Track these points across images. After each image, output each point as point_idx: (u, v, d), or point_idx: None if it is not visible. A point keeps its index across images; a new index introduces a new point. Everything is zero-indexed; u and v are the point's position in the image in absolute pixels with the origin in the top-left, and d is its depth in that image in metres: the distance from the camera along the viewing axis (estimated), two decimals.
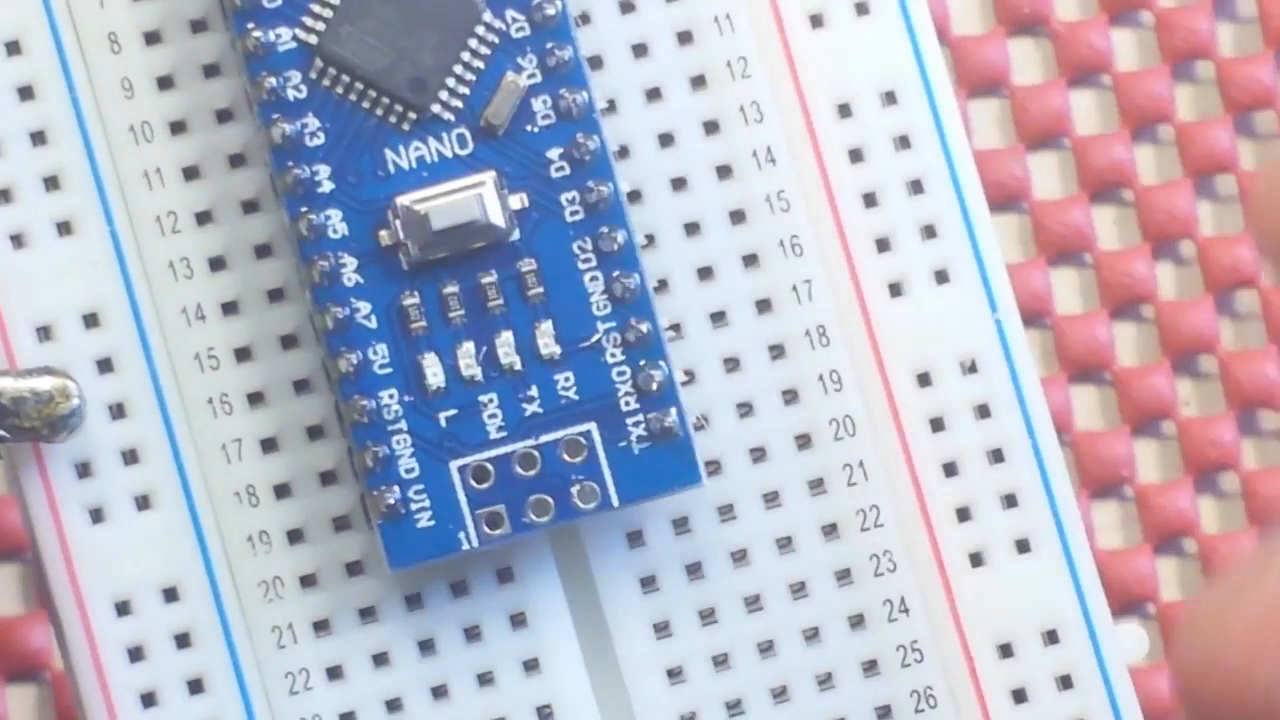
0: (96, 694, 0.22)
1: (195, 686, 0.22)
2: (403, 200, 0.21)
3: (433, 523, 0.22)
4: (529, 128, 0.22)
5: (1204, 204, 0.30)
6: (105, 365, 0.22)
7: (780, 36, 0.22)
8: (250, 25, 0.21)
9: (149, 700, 0.22)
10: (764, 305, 0.22)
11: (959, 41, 0.30)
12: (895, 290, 0.22)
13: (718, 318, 0.22)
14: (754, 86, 0.22)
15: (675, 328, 0.22)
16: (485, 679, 0.22)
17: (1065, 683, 0.22)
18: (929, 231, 0.22)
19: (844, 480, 0.22)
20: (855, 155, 0.22)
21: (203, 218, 0.22)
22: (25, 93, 0.22)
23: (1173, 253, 0.30)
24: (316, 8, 0.22)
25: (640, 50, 0.22)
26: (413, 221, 0.21)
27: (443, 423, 0.22)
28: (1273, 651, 0.24)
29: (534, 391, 0.22)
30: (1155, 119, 0.30)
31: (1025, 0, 0.30)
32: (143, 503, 0.22)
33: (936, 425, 0.22)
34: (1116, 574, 0.29)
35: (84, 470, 0.22)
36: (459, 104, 0.22)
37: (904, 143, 0.22)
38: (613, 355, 0.22)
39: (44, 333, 0.22)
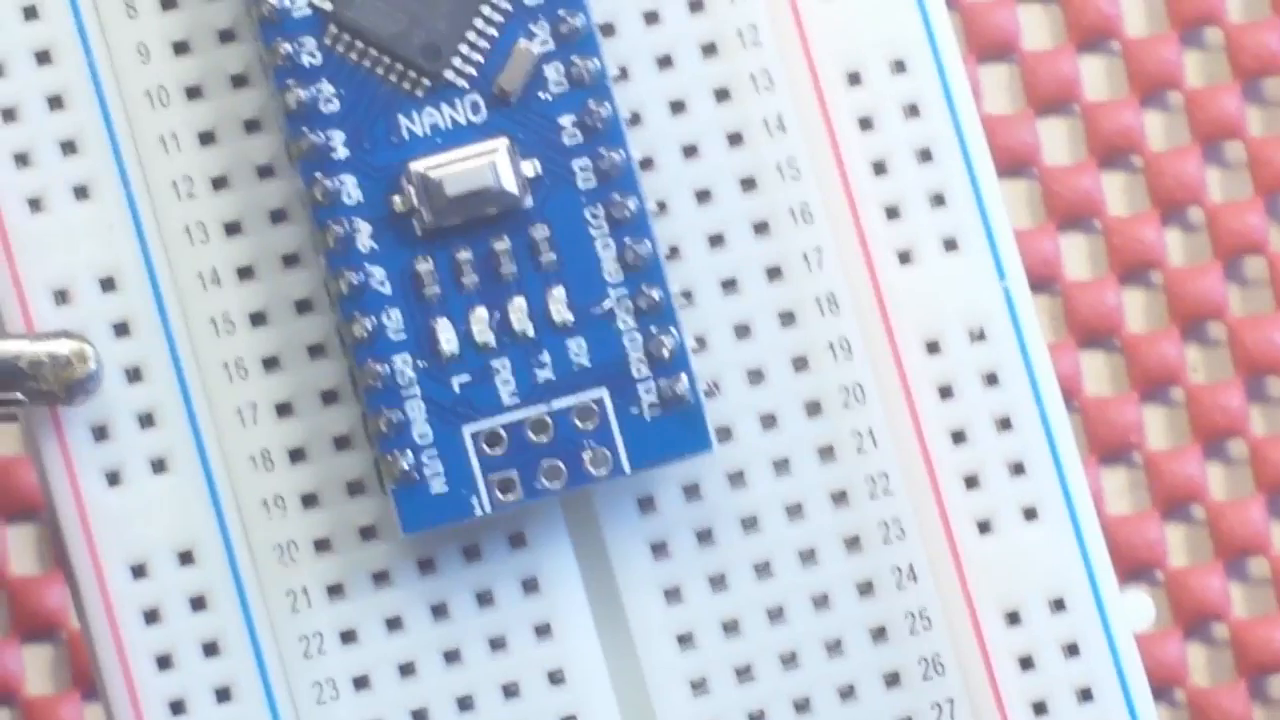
0: (112, 655, 0.22)
1: (210, 650, 0.22)
2: (416, 167, 0.21)
3: (445, 488, 0.22)
4: (541, 95, 0.22)
5: (1212, 170, 0.30)
6: (122, 329, 0.22)
7: (790, 4, 0.22)
8: None
9: (164, 663, 0.22)
10: (774, 273, 0.22)
11: (969, 6, 0.30)
12: (904, 258, 0.22)
13: (728, 285, 0.22)
14: (764, 54, 0.22)
15: (686, 295, 0.22)
16: (497, 644, 0.22)
17: (1072, 650, 0.22)
18: (938, 199, 0.22)
19: (854, 447, 0.22)
20: (865, 123, 0.22)
21: (218, 183, 0.22)
22: (43, 57, 0.22)
23: (1181, 219, 0.30)
24: None
25: (651, 18, 0.22)
26: (426, 188, 0.21)
27: (456, 388, 0.22)
28: None
29: (546, 358, 0.22)
30: (1164, 85, 0.30)
31: None
32: (159, 466, 0.22)
33: (945, 393, 0.22)
34: (1125, 540, 0.29)
35: (100, 433, 0.22)
36: (472, 71, 0.22)
37: (913, 111, 0.22)
38: (624, 322, 0.22)
39: (61, 296, 0.22)
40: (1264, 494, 0.29)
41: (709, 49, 0.22)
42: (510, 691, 0.22)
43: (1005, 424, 0.22)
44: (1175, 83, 0.30)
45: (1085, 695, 0.22)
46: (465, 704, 0.22)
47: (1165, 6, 0.30)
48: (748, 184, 0.22)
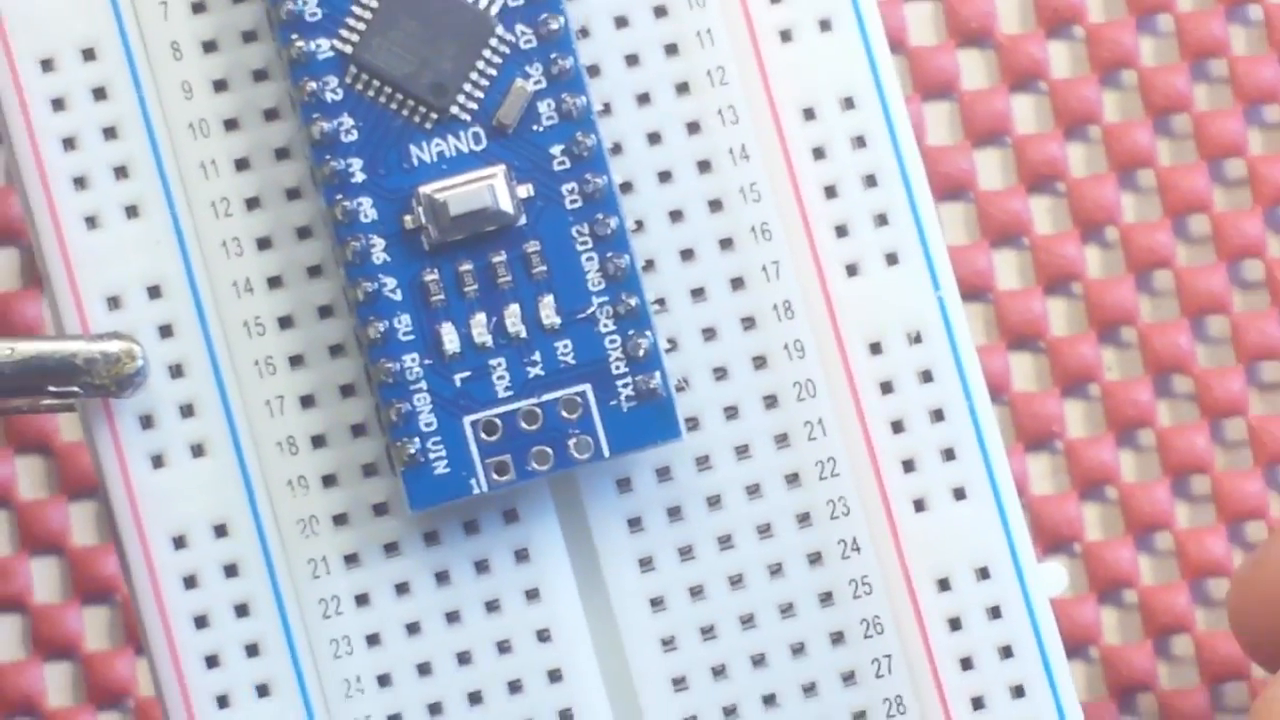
0: (155, 617, 0.22)
1: (241, 611, 0.22)
2: (424, 189, 0.22)
3: (448, 470, 0.22)
4: (535, 127, 0.22)
5: (1127, 195, 0.30)
6: (166, 331, 0.22)
7: (754, 49, 0.22)
8: (294, 36, 0.22)
9: (201, 622, 0.22)
10: (738, 283, 0.22)
11: (915, 51, 0.30)
12: (851, 270, 0.23)
13: (697, 293, 0.22)
14: (731, 92, 0.22)
15: (660, 302, 0.22)
16: (492, 606, 0.22)
17: (995, 613, 0.22)
18: (881, 219, 0.23)
19: (805, 435, 0.22)
20: (818, 153, 0.22)
21: (251, 203, 0.22)
22: (99, 93, 0.22)
23: (1099, 237, 0.29)
24: (351, 21, 0.22)
25: (632, 60, 0.22)
26: (433, 208, 0.22)
27: (457, 383, 0.22)
28: None
29: (537, 356, 0.22)
30: (1085, 121, 0.30)
31: (973, 15, 0.29)
32: (197, 450, 0.22)
33: (886, 388, 0.22)
34: (1048, 517, 0.29)
35: (146, 422, 0.22)
36: (474, 106, 0.22)
37: (860, 142, 0.22)
38: (605, 325, 0.22)
39: (113, 302, 0.22)
40: (1169, 477, 0.29)
41: (682, 87, 0.22)
42: (504, 648, 0.22)
43: (939, 415, 0.22)
44: (1094, 118, 0.29)
45: (1006, 652, 0.22)
46: (464, 659, 0.22)
47: (1086, 51, 0.30)
48: (715, 205, 0.22)
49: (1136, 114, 0.30)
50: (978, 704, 0.22)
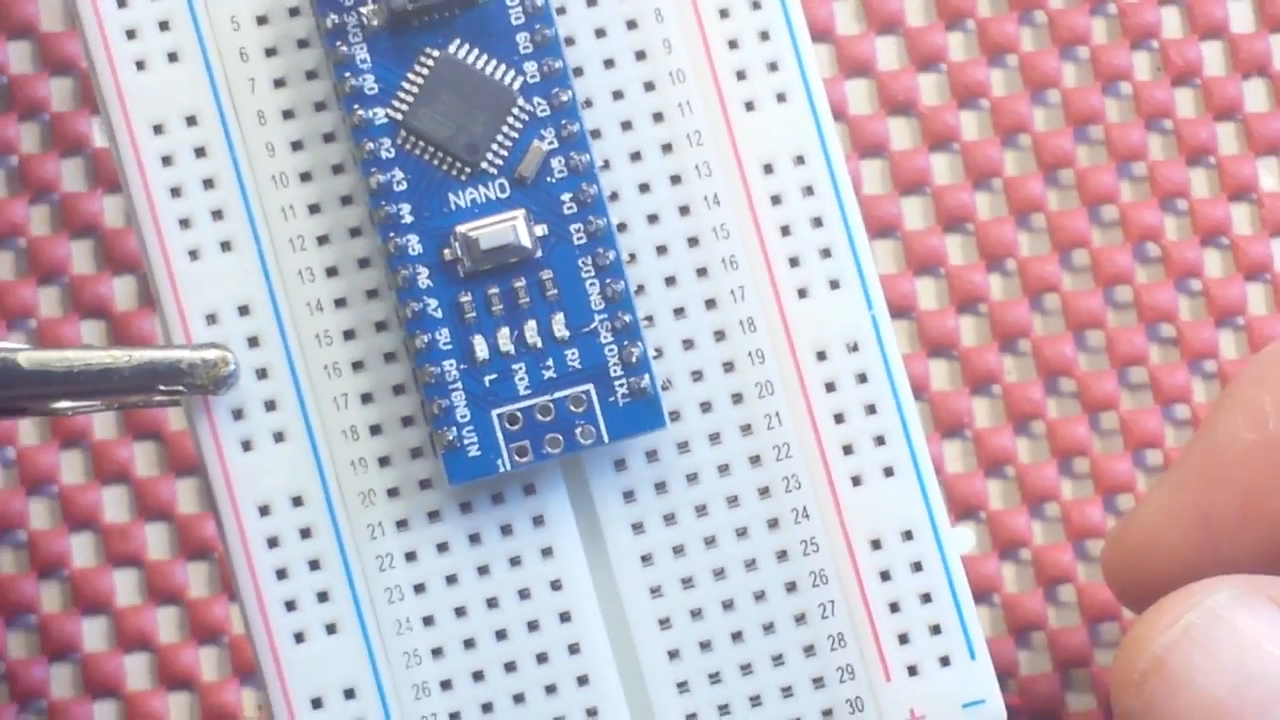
0: (245, 570, 0.22)
1: (314, 565, 0.22)
2: (460, 229, 0.22)
3: (479, 452, 0.22)
4: (548, 179, 0.22)
5: (1022, 234, 0.30)
6: (253, 341, 0.22)
7: (724, 116, 0.22)
8: (356, 106, 0.22)
9: (281, 574, 0.22)
10: (710, 303, 0.22)
11: (854, 119, 0.30)
12: (802, 293, 0.22)
13: (678, 312, 0.22)
14: (705, 151, 0.22)
15: (649, 318, 0.22)
16: (515, 561, 0.22)
17: (917, 567, 0.22)
18: (826, 253, 0.22)
19: (765, 425, 0.22)
20: (775, 199, 0.22)
21: (321, 240, 0.22)
22: (200, 152, 0.22)
23: (1001, 268, 0.29)
24: (401, 94, 0.22)
25: (626, 125, 0.22)
26: (467, 244, 0.22)
27: (486, 383, 0.22)
28: (1158, 542, 0.24)
29: (550, 362, 0.22)
30: (989, 175, 0.30)
31: (900, 90, 0.29)
32: (279, 437, 0.22)
33: (829, 387, 0.22)
34: (959, 491, 0.29)
35: (237, 414, 0.22)
36: (500, 162, 0.22)
37: (809, 191, 0.22)
38: (605, 337, 0.22)
39: (210, 319, 0.22)
40: (1056, 459, 0.29)
41: (666, 147, 0.22)
42: (523, 595, 0.22)
43: (872, 409, 0.22)
44: (997, 173, 0.29)
45: (926, 599, 0.22)
46: (492, 604, 0.22)
47: (990, 119, 0.29)
48: (692, 241, 0.22)
49: (1031, 169, 0.30)
50: (903, 640, 0.22)
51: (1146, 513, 0.25)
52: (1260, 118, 0.30)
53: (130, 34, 0.22)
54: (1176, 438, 0.29)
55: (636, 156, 0.22)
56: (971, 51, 0.30)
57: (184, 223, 0.22)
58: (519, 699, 0.22)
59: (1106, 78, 0.30)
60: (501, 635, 0.22)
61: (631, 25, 0.22)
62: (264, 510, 0.22)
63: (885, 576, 0.22)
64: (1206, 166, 0.30)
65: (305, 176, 0.22)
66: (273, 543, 0.22)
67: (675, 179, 0.22)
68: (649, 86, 0.22)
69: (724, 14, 0.22)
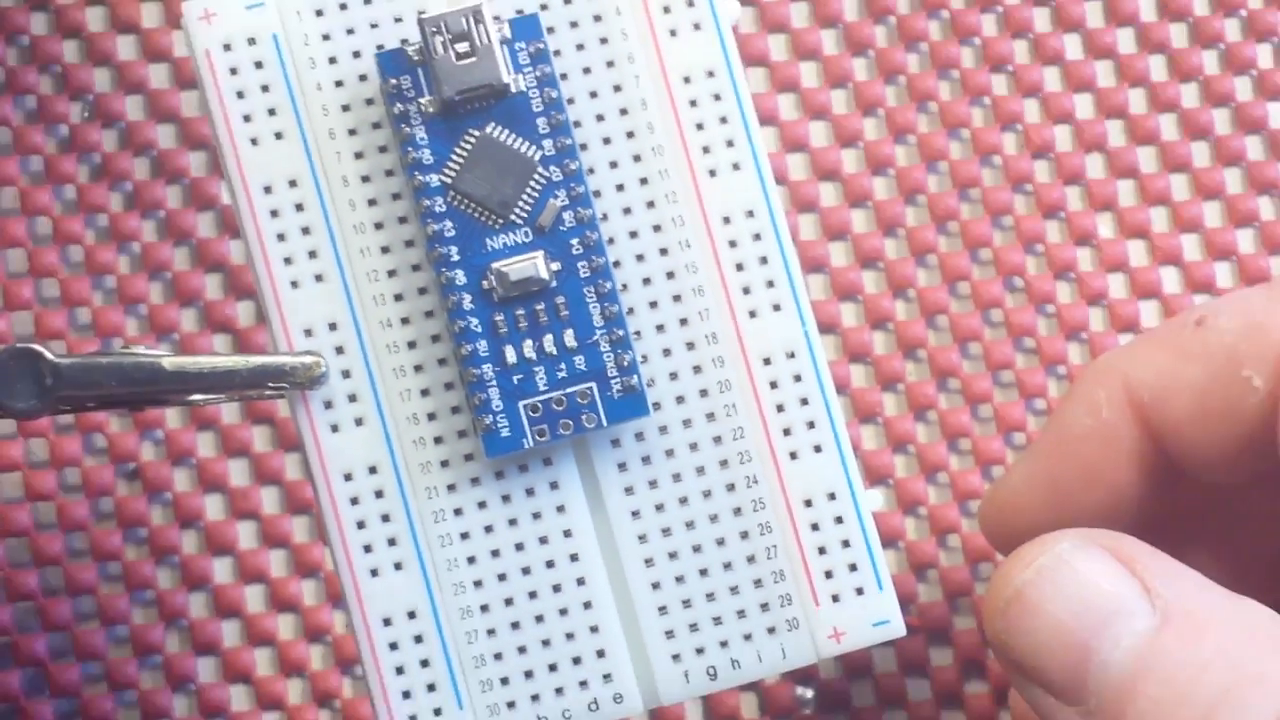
0: (334, 521, 0.22)
1: (385, 518, 0.22)
2: (495, 265, 0.21)
3: (509, 433, 0.22)
4: (561, 228, 0.22)
5: (920, 270, 0.30)
6: (339, 350, 0.22)
7: (693, 181, 0.22)
8: (416, 173, 0.21)
9: (360, 525, 0.22)
10: (683, 321, 0.22)
11: (792, 184, 0.30)
12: (752, 314, 0.22)
13: (659, 328, 0.22)
14: (679, 207, 0.22)
15: (637, 333, 0.22)
16: (536, 516, 0.22)
17: (839, 520, 0.22)
18: (770, 284, 0.22)
19: (724, 413, 0.22)
20: (732, 243, 0.22)
21: (390, 273, 0.22)
22: (299, 207, 0.22)
23: (904, 295, 0.29)
24: (451, 163, 0.21)
25: (620, 187, 0.22)
26: (500, 277, 0.21)
27: (515, 381, 0.22)
28: (1019, 503, 0.24)
29: (562, 366, 0.22)
30: (895, 225, 0.29)
31: (827, 162, 0.29)
32: (358, 422, 0.22)
33: (773, 385, 0.22)
34: (873, 464, 0.29)
35: (328, 405, 0.22)
36: (524, 215, 0.22)
37: (758, 237, 0.22)
38: (603, 347, 0.22)
39: (307, 333, 0.22)
40: (945, 440, 0.29)
41: (650, 204, 0.22)
42: (543, 541, 0.22)
43: (804, 401, 0.22)
44: (901, 224, 0.29)
45: (845, 544, 0.22)
46: (519, 547, 0.22)
47: (896, 184, 0.30)
48: (669, 274, 0.22)
49: (926, 221, 0.30)
50: (828, 575, 0.22)
51: (1011, 480, 0.25)
52: (1099, 182, 0.30)
53: (246, 118, 0.22)
54: (1035, 423, 0.29)
55: (627, 211, 0.22)
56: (881, 133, 0.30)
57: (287, 260, 0.22)
58: (539, 619, 0.22)
59: (983, 152, 0.30)
60: (526, 571, 0.22)
61: (623, 112, 0.22)
62: (348, 477, 0.22)
63: (815, 527, 0.22)
64: (1058, 219, 0.30)
65: (378, 225, 0.22)
66: (354, 501, 0.22)
67: (656, 228, 0.22)
68: (636, 158, 0.22)
69: (693, 103, 0.22)
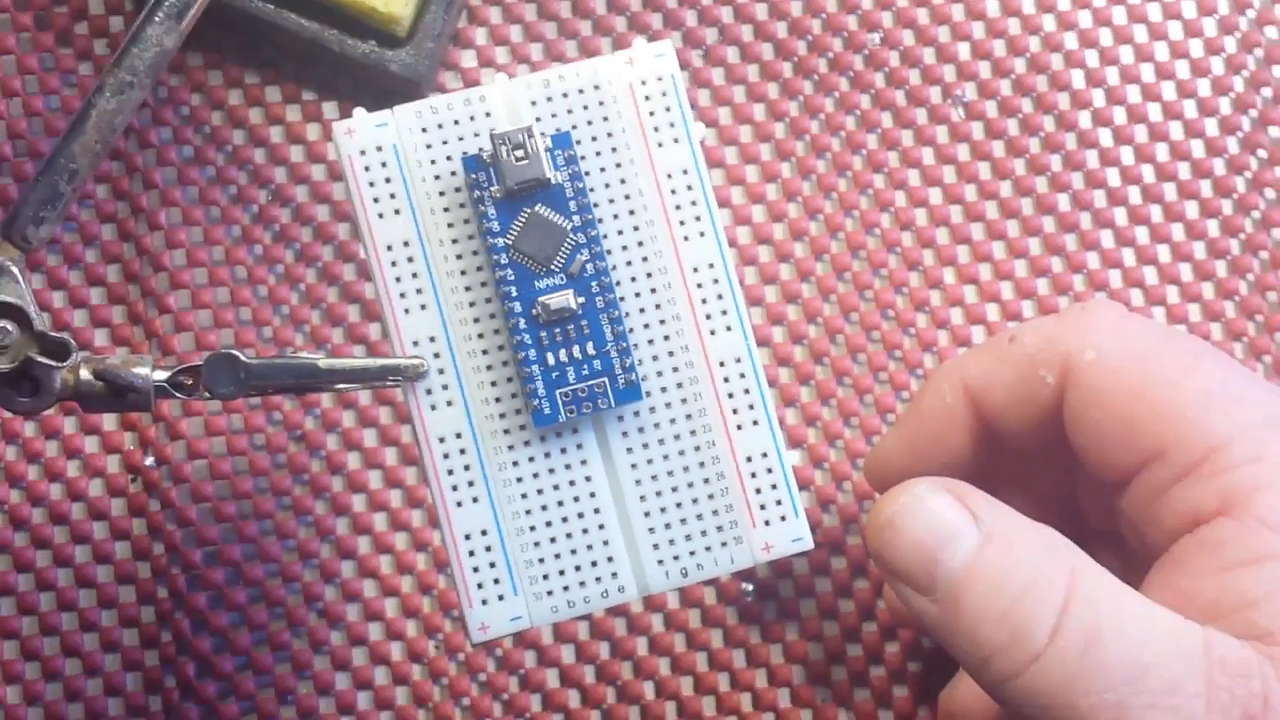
0: (433, 471, 0.22)
1: (466, 468, 0.22)
2: (540, 299, 0.21)
3: (549, 412, 0.21)
4: (584, 275, 0.21)
5: (825, 305, 0.29)
6: (436, 355, 0.22)
7: (673, 243, 0.22)
8: (488, 237, 0.21)
9: (450, 471, 0.22)
10: (665, 337, 0.22)
11: (742, 247, 0.29)
12: (713, 332, 0.22)
13: (650, 341, 0.22)
14: (663, 261, 0.22)
15: (635, 345, 0.22)
16: (568, 467, 0.22)
17: (769, 471, 0.22)
18: (724, 313, 0.22)
19: (694, 398, 0.22)
20: (699, 285, 0.22)
21: (471, 304, 0.22)
22: (410, 260, 0.22)
23: (814, 322, 0.29)
24: (511, 231, 0.21)
25: (624, 248, 0.22)
26: (544, 307, 0.21)
27: (553, 377, 0.21)
28: (889, 459, 0.24)
29: (585, 366, 0.21)
30: (807, 275, 0.29)
31: (764, 232, 0.29)
32: (449, 404, 0.22)
33: (726, 380, 0.22)
34: (793, 434, 0.29)
35: (428, 392, 0.22)
36: (560, 266, 0.21)
37: (715, 281, 0.22)
38: (612, 355, 0.21)
39: (415, 344, 0.22)
40: (843, 418, 0.29)
41: (644, 259, 0.22)
42: (571, 484, 0.22)
43: (746, 391, 0.22)
44: (813, 273, 0.29)
45: (774, 487, 0.22)
46: (555, 487, 0.22)
47: (811, 249, 0.29)
48: (657, 305, 0.22)
49: (829, 271, 0.29)
50: (762, 507, 0.22)
51: (885, 444, 0.25)
52: (944, 245, 0.30)
53: (375, 200, 0.22)
54: (901, 407, 0.29)
55: (629, 263, 0.22)
56: (800, 212, 0.30)
57: (402, 295, 0.22)
58: (568, 535, 0.22)
59: (868, 225, 0.29)
60: (559, 503, 0.22)
61: (626, 196, 0.22)
62: (441, 440, 0.22)
63: (753, 475, 0.22)
64: (918, 270, 0.30)
65: (462, 272, 0.22)
66: (445, 456, 0.22)
67: (648, 274, 0.22)
68: (635, 228, 0.22)
69: (674, 191, 0.22)
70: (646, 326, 0.22)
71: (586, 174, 0.22)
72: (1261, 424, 0.19)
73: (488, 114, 0.22)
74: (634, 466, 0.22)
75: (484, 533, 0.22)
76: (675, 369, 0.22)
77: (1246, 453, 0.18)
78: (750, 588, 0.29)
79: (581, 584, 0.22)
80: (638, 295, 0.22)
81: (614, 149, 0.22)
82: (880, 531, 0.21)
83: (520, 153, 0.21)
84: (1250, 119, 0.30)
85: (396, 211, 0.22)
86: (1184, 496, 0.19)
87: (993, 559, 0.20)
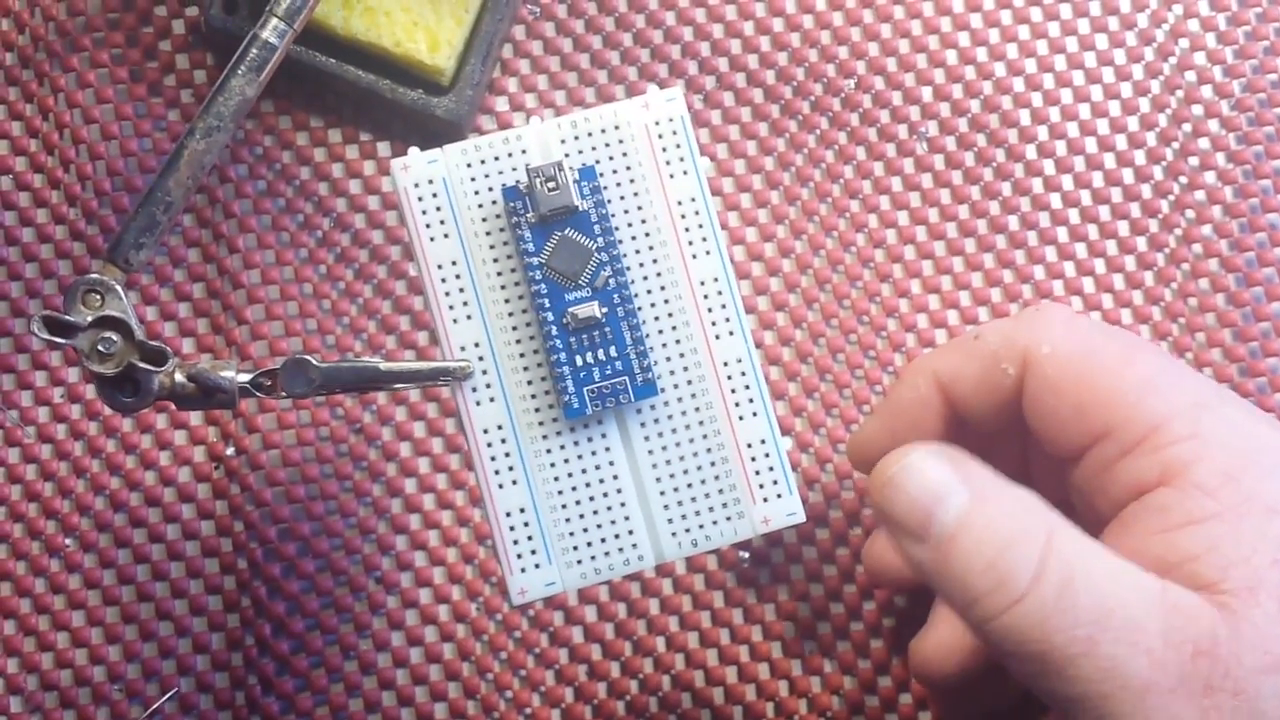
0: (478, 457, 0.22)
1: (507, 455, 0.22)
2: (570, 310, 0.21)
3: (578, 405, 0.21)
4: (607, 288, 0.22)
5: (809, 312, 0.29)
6: (480, 359, 0.22)
7: (683, 261, 0.22)
8: (525, 256, 0.21)
9: (493, 458, 0.22)
10: (677, 341, 0.22)
11: (739, 264, 0.29)
12: (718, 336, 0.22)
13: (664, 345, 0.22)
14: (674, 276, 0.22)
15: (650, 348, 0.22)
16: (594, 453, 0.22)
17: (766, 455, 0.22)
18: (727, 320, 0.22)
19: (701, 392, 0.22)
20: (705, 296, 0.22)
21: (510, 314, 0.22)
22: (457, 277, 0.22)
23: (801, 326, 0.29)
24: (545, 251, 0.21)
25: (640, 265, 0.22)
26: (573, 317, 0.21)
27: (581, 376, 0.21)
28: (869, 441, 0.24)
29: (609, 367, 0.22)
30: (793, 286, 0.29)
31: (758, 252, 0.29)
32: (491, 400, 0.22)
33: (729, 377, 0.22)
34: (784, 423, 0.29)
35: (474, 390, 0.22)
36: (587, 281, 0.21)
37: (719, 294, 0.22)
38: (631, 356, 0.22)
39: (462, 349, 0.22)
40: (825, 409, 0.29)
41: (658, 274, 0.22)
42: (597, 467, 0.22)
43: (747, 387, 0.22)
44: (798, 285, 0.29)
45: (770, 469, 0.22)
46: (583, 471, 0.22)
47: (797, 264, 0.29)
48: (670, 315, 0.22)
49: (813, 284, 0.29)
50: (761, 486, 0.22)
51: (864, 430, 0.25)
52: (911, 260, 0.30)
53: (427, 225, 0.22)
54: (876, 399, 0.29)
55: (645, 278, 0.22)
56: (786, 233, 0.30)
57: (450, 307, 0.22)
58: (595, 512, 0.22)
59: (845, 244, 0.29)
60: (587, 485, 0.22)
61: (643, 221, 0.22)
62: (485, 431, 0.22)
63: (753, 459, 0.22)
64: (889, 282, 0.29)
65: (503, 287, 0.22)
66: (489, 445, 0.22)
67: (662, 288, 0.22)
68: (650, 247, 0.22)
69: (683, 216, 0.22)
70: (660, 332, 0.22)
71: (609, 202, 0.22)
72: (1193, 405, 0.19)
73: (523, 151, 0.22)
74: (650, 452, 0.22)
75: (522, 510, 0.22)
76: (685, 368, 0.22)
77: (1182, 430, 0.19)
78: (747, 555, 0.29)
79: (606, 553, 0.22)
80: (653, 305, 0.22)
81: (632, 180, 0.22)
82: (883, 488, 0.21)
83: (552, 184, 0.21)
84: (1173, 149, 0.30)
85: (446, 235, 0.22)
86: (1129, 469, 0.20)
87: (978, 514, 0.19)
